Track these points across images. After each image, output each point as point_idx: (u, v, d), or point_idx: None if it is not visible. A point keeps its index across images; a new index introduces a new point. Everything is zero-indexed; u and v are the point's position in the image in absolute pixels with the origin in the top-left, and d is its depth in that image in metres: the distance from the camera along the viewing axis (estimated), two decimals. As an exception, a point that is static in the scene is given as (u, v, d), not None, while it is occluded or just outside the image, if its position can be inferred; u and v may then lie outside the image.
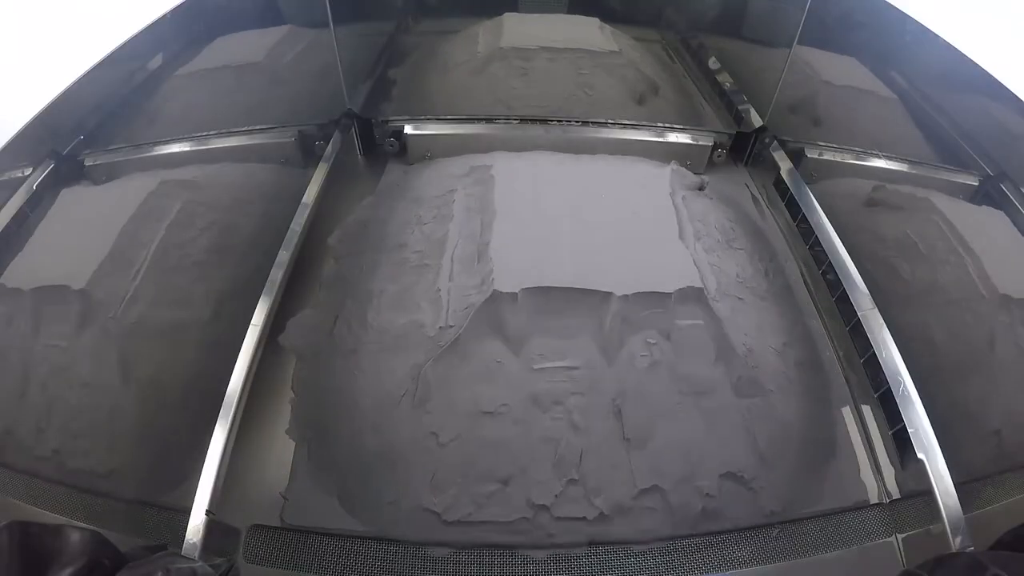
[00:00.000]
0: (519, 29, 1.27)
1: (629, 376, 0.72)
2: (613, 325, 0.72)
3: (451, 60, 1.30)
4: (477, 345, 0.73)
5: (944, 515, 0.64)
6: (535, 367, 0.71)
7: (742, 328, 0.78)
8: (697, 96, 1.36)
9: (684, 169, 1.05)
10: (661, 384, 0.72)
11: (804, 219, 1.01)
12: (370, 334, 0.79)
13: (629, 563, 0.66)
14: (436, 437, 0.69)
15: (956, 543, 0.62)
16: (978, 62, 0.94)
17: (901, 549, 0.69)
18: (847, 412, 0.79)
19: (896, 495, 0.73)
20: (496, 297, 0.72)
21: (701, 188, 1.00)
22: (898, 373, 0.76)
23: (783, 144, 1.15)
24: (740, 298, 0.83)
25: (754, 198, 1.12)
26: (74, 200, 0.94)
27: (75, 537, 0.45)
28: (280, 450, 0.73)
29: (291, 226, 0.93)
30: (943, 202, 0.97)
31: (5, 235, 0.87)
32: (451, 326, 0.74)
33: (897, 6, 1.02)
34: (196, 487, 0.64)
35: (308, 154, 1.15)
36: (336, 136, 1.14)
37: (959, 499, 0.65)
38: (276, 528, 0.68)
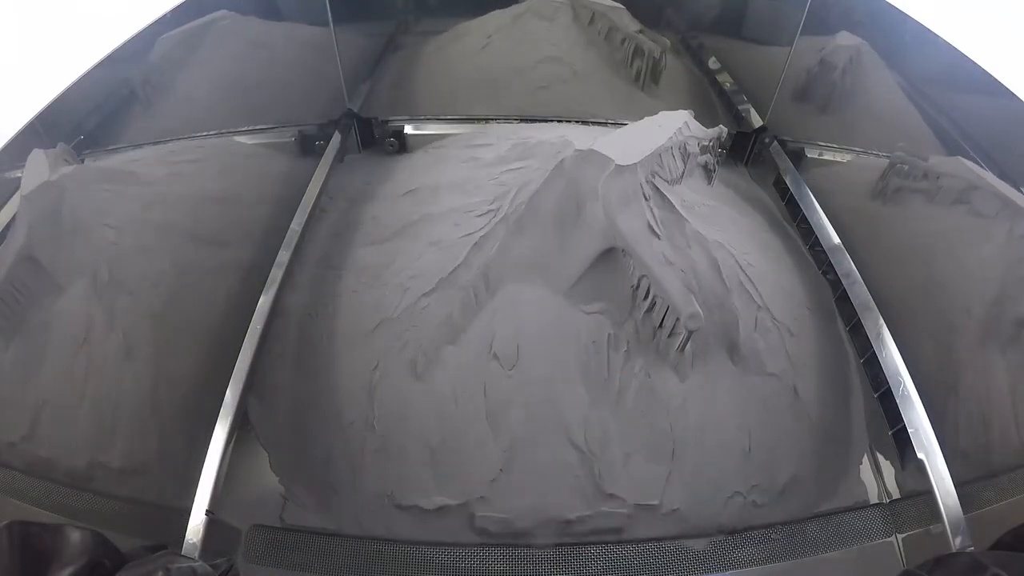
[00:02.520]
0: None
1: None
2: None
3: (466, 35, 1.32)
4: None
5: (944, 515, 0.64)
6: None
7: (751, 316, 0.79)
8: (701, 84, 1.35)
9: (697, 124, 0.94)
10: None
11: (804, 219, 1.01)
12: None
13: (629, 562, 0.66)
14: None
15: (956, 543, 0.62)
16: (978, 62, 0.94)
17: (901, 549, 0.69)
18: (848, 413, 0.79)
19: (896, 495, 0.73)
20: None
21: (720, 138, 0.94)
22: (898, 373, 0.76)
23: (783, 144, 1.15)
24: (748, 291, 0.82)
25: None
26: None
27: (75, 537, 0.45)
28: (280, 450, 0.73)
29: (291, 226, 0.93)
30: (944, 200, 0.96)
31: (5, 234, 0.87)
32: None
33: (897, 6, 1.01)
34: (196, 487, 0.64)
35: (308, 154, 1.15)
36: (336, 136, 1.14)
37: (959, 499, 0.65)
38: (276, 528, 0.68)
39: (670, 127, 0.85)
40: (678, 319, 0.69)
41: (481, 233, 0.80)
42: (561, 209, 0.76)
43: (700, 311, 0.69)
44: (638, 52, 1.24)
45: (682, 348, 0.71)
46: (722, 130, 0.93)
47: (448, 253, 0.80)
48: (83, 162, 1.00)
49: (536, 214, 0.77)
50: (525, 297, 0.75)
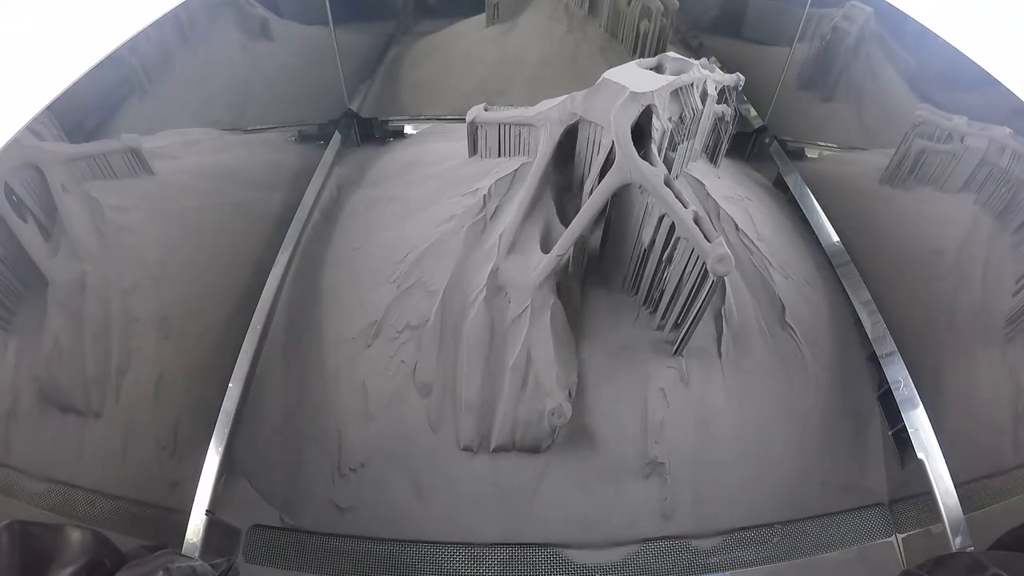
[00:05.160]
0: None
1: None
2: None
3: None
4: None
5: (944, 515, 0.64)
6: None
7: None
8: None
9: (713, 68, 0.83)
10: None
11: (804, 219, 1.01)
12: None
13: (629, 562, 0.66)
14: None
15: (956, 543, 0.62)
16: (978, 62, 0.93)
17: (901, 549, 0.69)
18: (849, 412, 0.79)
19: (896, 495, 0.73)
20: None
21: (737, 87, 0.85)
22: (898, 373, 0.76)
23: (783, 144, 1.15)
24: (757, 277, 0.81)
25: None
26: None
27: (75, 537, 0.45)
28: (280, 450, 0.73)
29: (290, 226, 0.93)
30: (967, 165, 0.95)
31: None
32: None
33: (897, 6, 1.01)
34: (196, 487, 0.64)
35: (308, 154, 1.15)
36: (336, 136, 1.14)
37: (959, 499, 0.65)
38: (276, 528, 0.68)
39: (688, 62, 0.76)
40: (704, 268, 0.61)
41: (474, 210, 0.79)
42: (567, 145, 0.69)
43: (730, 253, 0.61)
44: (645, 13, 1.19)
45: (704, 306, 0.64)
46: (740, 77, 0.84)
47: (443, 246, 0.80)
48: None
49: (537, 151, 0.71)
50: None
